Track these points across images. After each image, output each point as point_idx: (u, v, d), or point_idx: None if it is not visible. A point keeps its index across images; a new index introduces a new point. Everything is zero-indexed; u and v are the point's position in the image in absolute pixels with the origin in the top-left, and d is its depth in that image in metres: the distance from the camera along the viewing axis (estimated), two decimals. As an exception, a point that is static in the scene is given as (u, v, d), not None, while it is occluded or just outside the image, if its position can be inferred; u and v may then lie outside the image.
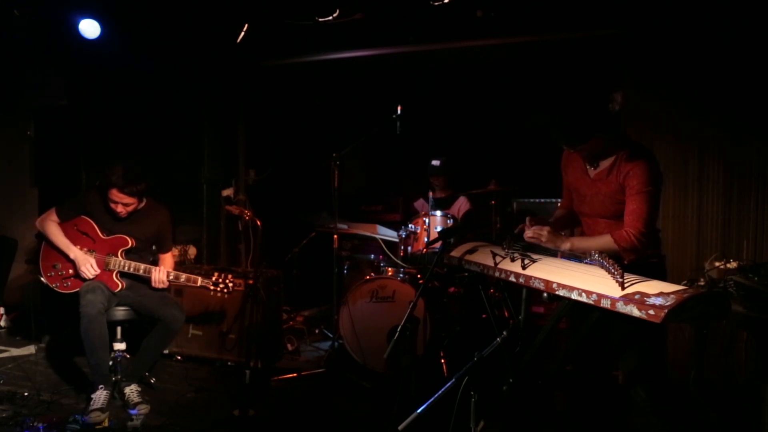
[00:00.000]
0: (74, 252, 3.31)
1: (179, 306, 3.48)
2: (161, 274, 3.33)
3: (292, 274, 4.98)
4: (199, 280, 3.35)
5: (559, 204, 2.81)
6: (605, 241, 2.25)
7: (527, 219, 2.44)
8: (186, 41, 4.70)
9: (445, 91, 5.40)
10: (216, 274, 3.39)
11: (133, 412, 3.12)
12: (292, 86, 5.64)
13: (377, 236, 4.45)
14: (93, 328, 3.12)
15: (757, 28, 3.63)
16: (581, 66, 4.58)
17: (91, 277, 3.28)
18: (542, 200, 5.02)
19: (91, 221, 3.40)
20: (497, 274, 2.20)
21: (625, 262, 2.20)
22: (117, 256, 3.35)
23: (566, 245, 2.29)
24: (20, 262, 4.87)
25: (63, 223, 3.39)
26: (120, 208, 3.30)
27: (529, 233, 2.33)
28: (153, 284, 3.33)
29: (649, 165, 2.23)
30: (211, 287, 3.35)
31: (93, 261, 3.30)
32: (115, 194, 3.24)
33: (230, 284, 3.37)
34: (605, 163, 2.35)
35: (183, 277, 3.36)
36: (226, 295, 3.42)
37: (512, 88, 5.12)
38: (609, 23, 4.14)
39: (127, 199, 3.27)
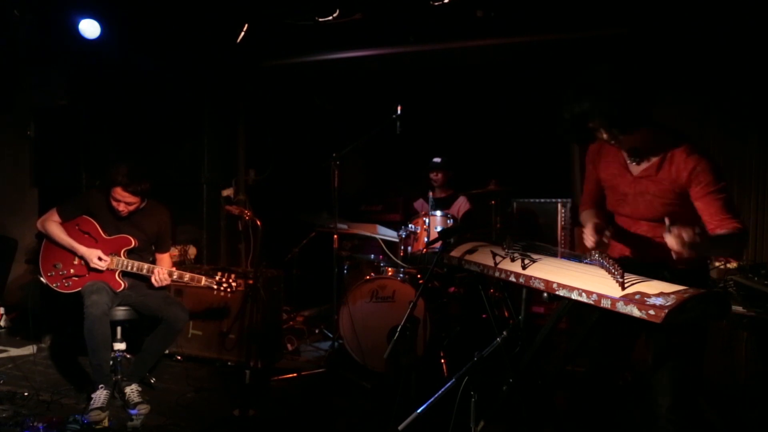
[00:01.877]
0: (80, 249, 3.31)
1: (182, 306, 3.48)
2: (163, 274, 3.34)
3: (292, 274, 4.98)
4: (203, 280, 3.36)
5: (581, 200, 2.47)
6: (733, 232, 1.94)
7: (593, 226, 2.11)
8: (186, 41, 4.70)
9: (445, 91, 5.41)
10: (219, 273, 3.39)
11: (133, 412, 3.12)
12: (292, 86, 5.64)
13: (377, 236, 4.45)
14: (97, 328, 3.12)
15: (757, 28, 3.63)
16: (581, 66, 4.58)
17: (104, 267, 3.29)
18: (542, 200, 5.02)
19: (93, 221, 3.40)
20: (497, 274, 2.20)
21: (654, 254, 2.05)
22: (120, 256, 3.35)
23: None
24: (20, 262, 4.87)
25: (65, 223, 3.39)
26: (122, 207, 3.31)
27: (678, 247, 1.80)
28: (154, 283, 3.33)
29: (710, 162, 1.98)
30: (215, 287, 3.36)
31: (100, 252, 3.31)
32: (119, 192, 3.25)
33: (233, 284, 3.38)
34: (652, 159, 2.09)
35: (187, 276, 3.37)
36: (229, 295, 3.43)
37: (512, 88, 5.13)
38: (609, 23, 4.14)
39: (131, 198, 3.28)
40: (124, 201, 3.29)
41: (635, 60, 2.07)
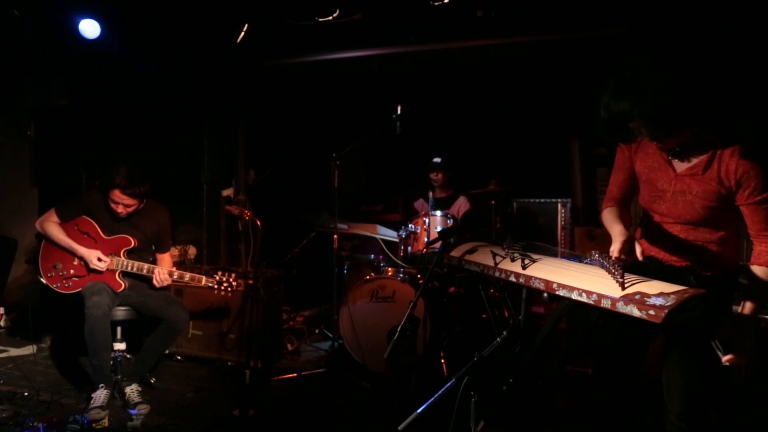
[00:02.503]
0: (80, 250, 3.30)
1: (183, 306, 3.48)
2: (164, 274, 3.33)
3: (292, 274, 4.98)
4: (204, 280, 3.36)
5: (606, 194, 2.24)
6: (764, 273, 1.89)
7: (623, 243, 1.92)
8: (186, 41, 4.70)
9: (445, 91, 5.41)
10: (220, 273, 3.39)
11: (133, 412, 3.12)
12: (292, 86, 5.65)
13: (377, 236, 4.45)
14: (98, 329, 3.12)
15: (756, 28, 3.63)
16: (581, 66, 4.58)
17: (104, 268, 3.29)
18: (542, 200, 5.02)
19: (92, 221, 3.39)
20: (497, 274, 2.19)
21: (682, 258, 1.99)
22: (120, 256, 3.35)
23: (751, 328, 1.86)
24: (20, 262, 4.87)
25: (64, 224, 3.38)
26: (121, 209, 3.30)
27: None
28: (155, 284, 3.33)
29: (765, 165, 1.86)
30: (216, 287, 3.36)
31: (100, 252, 3.30)
32: (118, 195, 3.24)
33: (234, 283, 3.38)
34: (700, 158, 1.94)
35: (187, 276, 3.37)
36: (230, 294, 3.43)
37: (512, 88, 5.13)
38: (609, 23, 4.14)
39: (129, 200, 3.27)
40: (123, 203, 3.28)
41: (683, 52, 1.85)
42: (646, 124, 1.80)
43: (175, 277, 3.36)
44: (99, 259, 3.28)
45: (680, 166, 1.99)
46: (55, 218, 3.37)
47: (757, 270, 1.90)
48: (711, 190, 1.92)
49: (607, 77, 1.87)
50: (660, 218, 2.09)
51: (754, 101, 3.73)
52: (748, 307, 1.88)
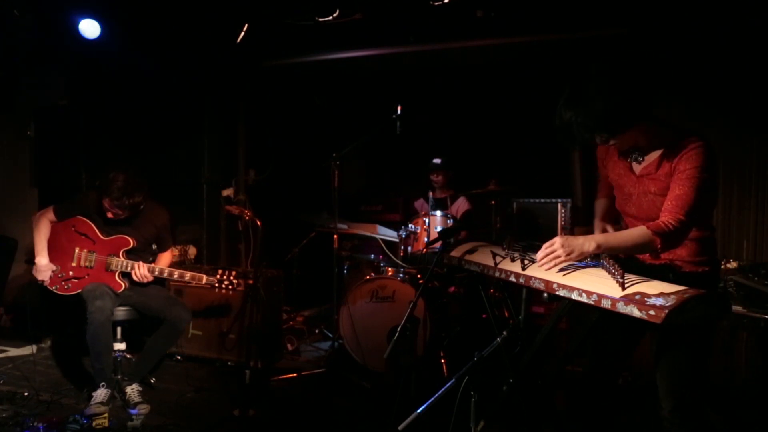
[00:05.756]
0: (37, 256, 3.27)
1: (185, 306, 3.48)
2: (143, 269, 3.28)
3: (292, 274, 4.98)
4: (204, 278, 3.35)
5: (597, 199, 2.46)
6: (639, 233, 1.91)
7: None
8: (186, 41, 4.70)
9: (445, 91, 5.41)
10: (220, 271, 3.38)
11: (133, 411, 3.12)
12: (292, 86, 5.65)
13: (377, 236, 4.45)
14: (101, 333, 3.12)
15: (757, 29, 3.63)
16: (581, 66, 4.57)
17: (42, 280, 3.27)
18: (542, 200, 5.01)
19: (90, 222, 3.37)
20: (497, 274, 2.20)
21: (661, 256, 2.00)
22: (119, 257, 3.35)
23: (591, 246, 1.91)
24: (20, 261, 4.86)
25: (60, 223, 3.37)
26: (110, 215, 3.29)
27: (544, 260, 1.95)
28: (134, 278, 3.30)
29: (705, 151, 1.91)
30: (216, 285, 3.35)
31: (50, 271, 3.26)
32: (108, 203, 3.23)
33: (234, 281, 3.37)
34: (652, 157, 2.04)
35: (188, 275, 3.35)
36: (231, 292, 3.43)
37: (512, 88, 5.13)
38: (609, 23, 4.15)
39: (118, 211, 3.26)
40: (113, 211, 3.27)
41: (622, 60, 2.00)
42: (585, 131, 1.92)
43: (165, 275, 3.33)
44: (43, 280, 3.26)
45: (638, 169, 2.09)
46: (51, 216, 3.36)
47: (641, 230, 1.92)
48: (666, 186, 1.97)
49: (559, 90, 1.99)
50: (633, 221, 2.15)
51: (757, 100, 3.73)
52: (600, 243, 1.92)
